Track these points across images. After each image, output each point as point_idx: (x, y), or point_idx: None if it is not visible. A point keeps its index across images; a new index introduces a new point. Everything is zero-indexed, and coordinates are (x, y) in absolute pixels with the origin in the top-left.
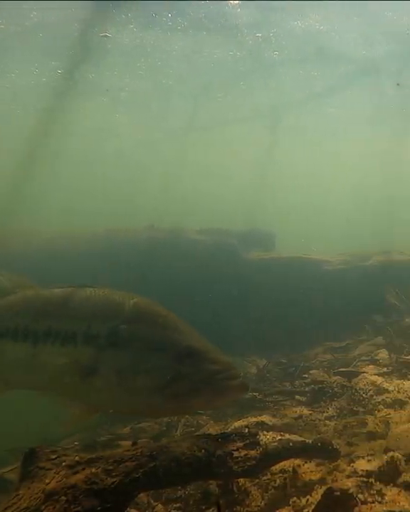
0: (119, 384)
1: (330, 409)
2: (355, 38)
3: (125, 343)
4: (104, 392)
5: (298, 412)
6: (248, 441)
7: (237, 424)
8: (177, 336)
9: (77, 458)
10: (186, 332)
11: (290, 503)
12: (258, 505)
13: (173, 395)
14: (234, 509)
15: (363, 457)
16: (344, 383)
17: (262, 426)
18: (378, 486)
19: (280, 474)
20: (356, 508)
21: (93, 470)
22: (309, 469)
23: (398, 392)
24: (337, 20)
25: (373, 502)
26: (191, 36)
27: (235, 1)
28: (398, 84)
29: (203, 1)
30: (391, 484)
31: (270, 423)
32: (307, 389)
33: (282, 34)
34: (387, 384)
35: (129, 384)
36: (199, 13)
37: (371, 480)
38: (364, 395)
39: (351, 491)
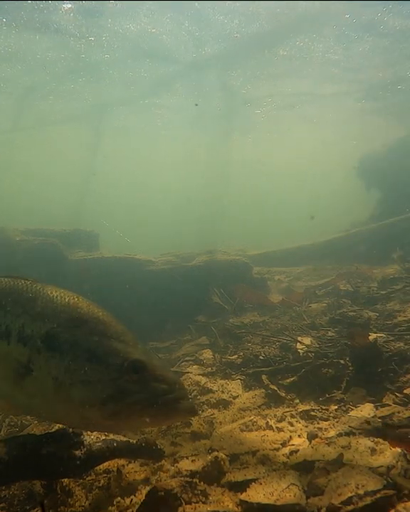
0: (55, 392)
1: None
2: (186, 40)
3: (64, 349)
4: (37, 397)
5: None
6: (72, 441)
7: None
8: (121, 346)
9: None
10: (130, 342)
11: (114, 503)
12: (82, 506)
13: (113, 412)
14: (58, 509)
15: (187, 457)
16: None
17: None
18: (202, 486)
19: (105, 474)
20: (181, 508)
21: None
22: (134, 469)
23: (222, 392)
24: (169, 23)
25: (197, 502)
26: (20, 37)
27: (68, 5)
28: (196, 105)
29: (34, 1)
30: (215, 484)
31: None
32: None
33: (114, 37)
34: (211, 384)
35: (64, 393)
36: (31, 15)
37: (195, 480)
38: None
39: (175, 491)
